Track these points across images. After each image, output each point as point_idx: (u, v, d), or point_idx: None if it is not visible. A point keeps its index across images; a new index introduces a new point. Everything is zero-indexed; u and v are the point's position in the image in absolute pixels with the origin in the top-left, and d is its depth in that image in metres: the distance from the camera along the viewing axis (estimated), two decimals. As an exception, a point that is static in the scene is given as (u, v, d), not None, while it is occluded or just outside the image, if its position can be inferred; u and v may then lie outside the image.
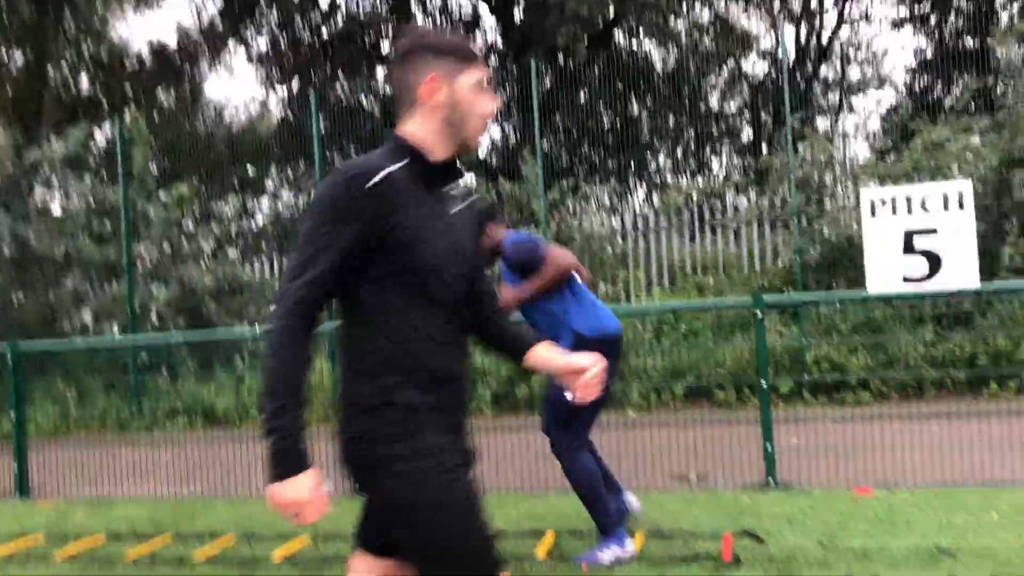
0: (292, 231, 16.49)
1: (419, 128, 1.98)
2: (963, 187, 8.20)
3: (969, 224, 8.05)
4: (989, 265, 9.06)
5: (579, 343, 3.91)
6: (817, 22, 22.05)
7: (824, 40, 22.37)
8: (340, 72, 21.03)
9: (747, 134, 21.96)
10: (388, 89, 20.65)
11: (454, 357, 1.99)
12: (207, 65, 23.49)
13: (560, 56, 17.48)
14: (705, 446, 6.15)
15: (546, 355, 2.19)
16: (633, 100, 18.88)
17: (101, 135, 18.10)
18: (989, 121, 10.17)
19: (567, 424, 4.07)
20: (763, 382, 5.61)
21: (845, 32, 22.72)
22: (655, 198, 17.29)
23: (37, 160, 12.24)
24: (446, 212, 1.99)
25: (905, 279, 8.20)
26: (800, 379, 9.03)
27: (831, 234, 10.25)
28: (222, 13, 21.68)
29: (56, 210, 13.23)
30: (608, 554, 3.99)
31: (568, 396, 3.97)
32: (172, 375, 11.22)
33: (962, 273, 7.98)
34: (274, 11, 21.05)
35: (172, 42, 23.11)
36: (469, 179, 14.81)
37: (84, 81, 21.94)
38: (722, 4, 20.83)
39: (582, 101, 16.96)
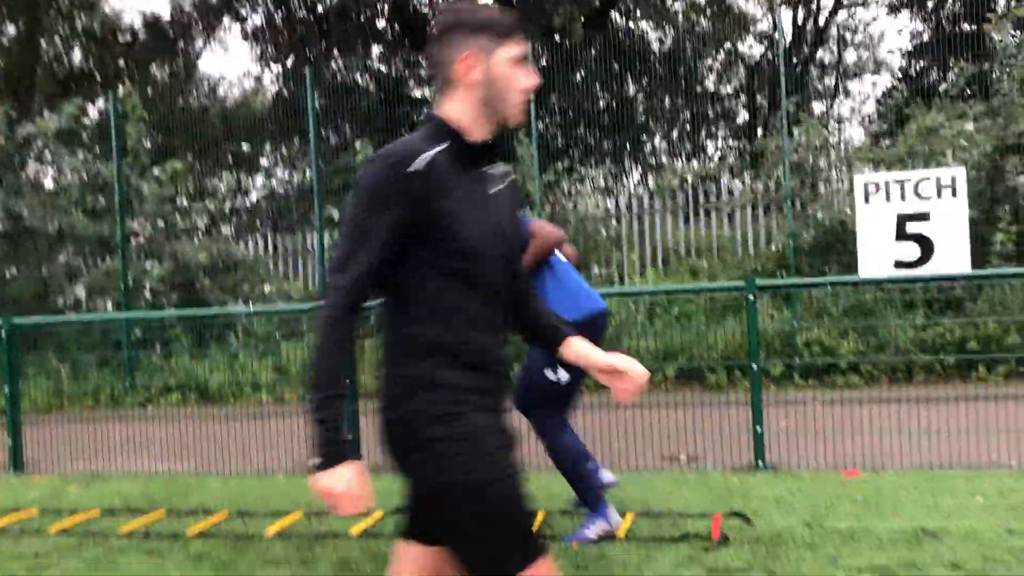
0: (286, 208, 16.49)
1: (457, 108, 1.95)
2: (956, 173, 8.25)
3: (962, 210, 8.11)
4: (981, 251, 9.12)
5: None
6: (814, 5, 21.98)
7: (821, 23, 22.33)
8: (336, 49, 20.90)
9: (743, 117, 21.95)
10: (383, 66, 20.58)
11: (495, 339, 1.98)
12: (201, 41, 23.33)
13: (557, 36, 17.40)
14: (696, 428, 6.20)
15: (584, 350, 2.17)
16: (629, 81, 18.83)
17: (94, 110, 18.00)
18: (984, 107, 10.19)
19: (549, 404, 4.07)
20: (754, 365, 5.66)
21: (842, 15, 22.68)
22: (650, 180, 17.31)
23: (30, 134, 12.17)
24: (486, 193, 1.96)
25: (897, 264, 8.27)
26: (791, 362, 9.09)
27: (825, 218, 10.29)
28: (216, -13, 21.49)
29: (49, 184, 13.19)
30: (594, 529, 4.02)
31: (551, 376, 4.01)
32: (165, 351, 11.24)
33: (954, 259, 8.05)
34: (269, -14, 20.88)
35: (166, 14, 22.96)
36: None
37: (77, 54, 21.78)
38: (720, -15, 20.75)
39: (578, 81, 16.91)
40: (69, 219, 11.94)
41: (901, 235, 8.36)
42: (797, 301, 9.69)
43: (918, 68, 19.45)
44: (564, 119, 17.19)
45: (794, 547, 3.90)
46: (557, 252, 4.21)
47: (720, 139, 21.67)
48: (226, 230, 13.28)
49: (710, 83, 21.59)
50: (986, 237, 9.38)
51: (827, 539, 3.99)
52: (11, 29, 20.05)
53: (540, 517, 4.55)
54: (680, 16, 20.77)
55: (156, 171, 12.13)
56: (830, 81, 22.61)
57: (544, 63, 15.86)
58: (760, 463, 5.53)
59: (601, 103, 17.65)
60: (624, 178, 17.17)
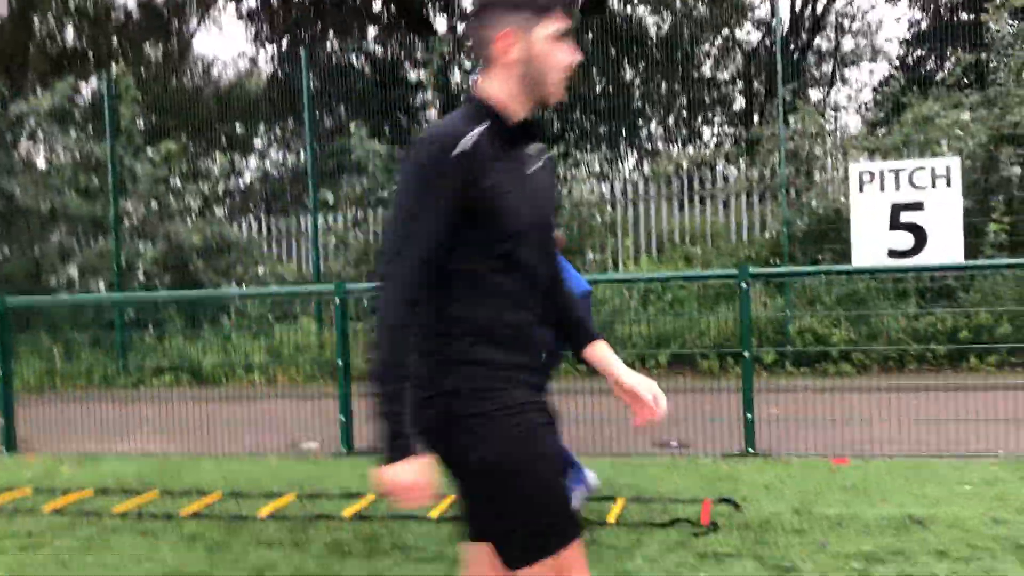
0: (280, 190, 16.43)
1: (497, 87, 1.92)
2: (951, 163, 8.28)
3: (956, 200, 8.15)
4: (974, 241, 9.15)
5: None
6: (813, -9, 21.91)
7: (819, 10, 22.26)
8: (331, 31, 20.78)
9: (739, 103, 21.91)
10: (379, 48, 20.48)
11: (535, 318, 1.96)
12: (196, 20, 23.16)
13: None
14: (687, 414, 6.23)
15: (606, 358, 2.15)
16: (626, 66, 18.76)
17: (87, 89, 17.88)
18: (979, 97, 10.20)
19: None
20: (746, 353, 5.68)
21: (840, 2, 22.61)
22: (645, 166, 17.29)
23: (22, 112, 12.09)
24: (525, 173, 1.94)
25: (891, 253, 8.31)
26: (783, 350, 9.13)
27: (819, 206, 10.30)
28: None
29: (41, 164, 13.12)
30: (576, 497, 3.94)
31: None
32: (159, 332, 11.23)
33: (947, 248, 8.09)
34: (265, -34, 20.73)
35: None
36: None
37: (70, 33, 21.61)
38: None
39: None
40: (62, 199, 11.89)
41: (895, 224, 8.40)
42: (790, 289, 9.72)
43: (915, 57, 19.43)
44: (560, 103, 17.14)
45: (782, 533, 3.94)
46: None
47: (716, 125, 21.64)
48: (220, 211, 13.23)
49: (707, 69, 21.54)
50: (980, 227, 9.41)
51: (815, 525, 4.03)
52: (4, 6, 19.87)
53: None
54: (678, 1, 20.68)
55: (150, 152, 12.08)
56: (827, 68, 22.58)
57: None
58: (750, 450, 5.56)
59: (598, 88, 17.60)
60: (620, 163, 17.15)
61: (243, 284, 11.77)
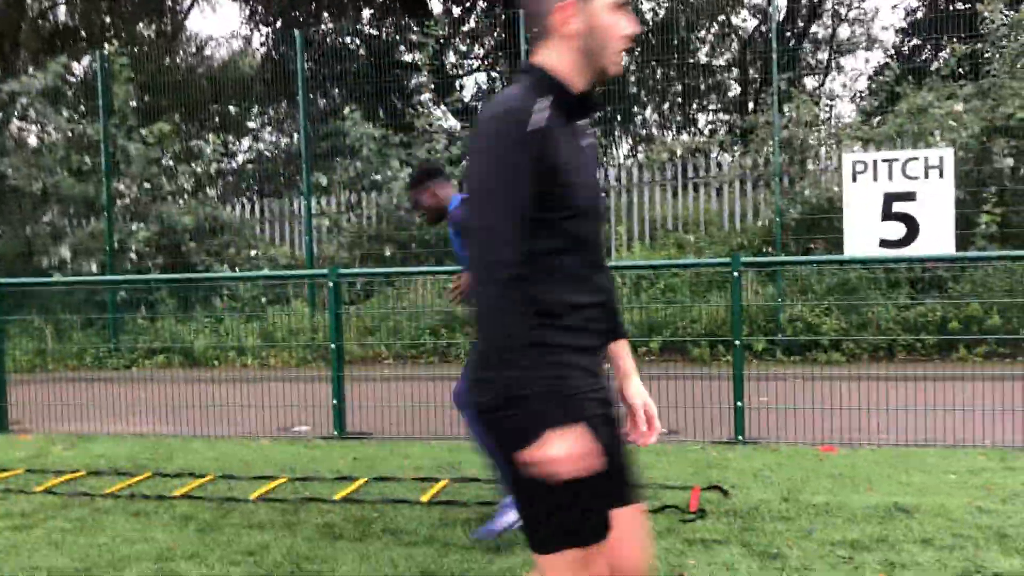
0: (273, 172, 16.38)
1: (554, 59, 1.86)
2: (944, 154, 8.30)
3: (948, 191, 8.18)
4: (965, 232, 9.20)
5: None
6: (810, -22, 21.85)
7: (816, -2, 22.19)
8: (325, 12, 20.65)
9: (735, 90, 21.87)
10: (374, 31, 20.37)
11: (596, 298, 1.91)
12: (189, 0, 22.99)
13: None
14: (678, 400, 6.27)
15: (623, 362, 2.11)
16: (621, 51, 18.68)
17: (80, 68, 17.76)
18: (973, 88, 10.21)
19: None
20: (737, 341, 5.72)
21: (838, -10, 22.54)
22: (639, 152, 17.28)
23: (14, 91, 12.02)
24: (581, 146, 1.88)
25: (882, 243, 8.35)
26: (774, 338, 9.18)
27: (812, 195, 10.33)
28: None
29: (33, 143, 13.05)
30: (502, 523, 3.73)
31: None
32: (151, 313, 11.22)
33: (938, 239, 8.13)
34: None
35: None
36: (456, 126, 14.71)
37: (62, 11, 21.44)
38: (715, -44, 20.56)
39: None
40: (54, 179, 11.84)
41: (887, 214, 8.44)
42: (781, 278, 9.76)
43: (911, 46, 19.42)
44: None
45: (770, 520, 3.99)
46: None
47: (711, 112, 21.61)
48: (212, 193, 13.20)
49: (702, 55, 21.49)
50: (971, 218, 9.46)
51: (802, 513, 4.08)
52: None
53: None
54: (674, -13, 20.60)
55: (143, 132, 12.03)
56: (823, 56, 22.55)
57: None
58: (739, 437, 5.61)
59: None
60: (614, 149, 17.14)
61: (236, 267, 11.75)
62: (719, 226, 11.82)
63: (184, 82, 16.65)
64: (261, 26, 22.12)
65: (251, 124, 19.26)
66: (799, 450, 5.37)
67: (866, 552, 3.55)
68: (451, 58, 20.50)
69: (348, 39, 19.58)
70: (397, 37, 19.73)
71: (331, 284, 6.29)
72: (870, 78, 19.05)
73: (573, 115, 1.88)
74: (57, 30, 20.76)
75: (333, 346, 6.29)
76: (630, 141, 18.33)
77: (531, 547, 1.86)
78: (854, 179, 8.48)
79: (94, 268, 11.43)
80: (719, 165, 12.40)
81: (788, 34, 20.78)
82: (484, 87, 20.91)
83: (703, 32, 21.23)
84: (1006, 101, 9.76)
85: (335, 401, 6.24)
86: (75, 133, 12.14)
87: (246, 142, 18.71)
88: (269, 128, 19.51)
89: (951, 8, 17.52)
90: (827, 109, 14.76)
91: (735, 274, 5.72)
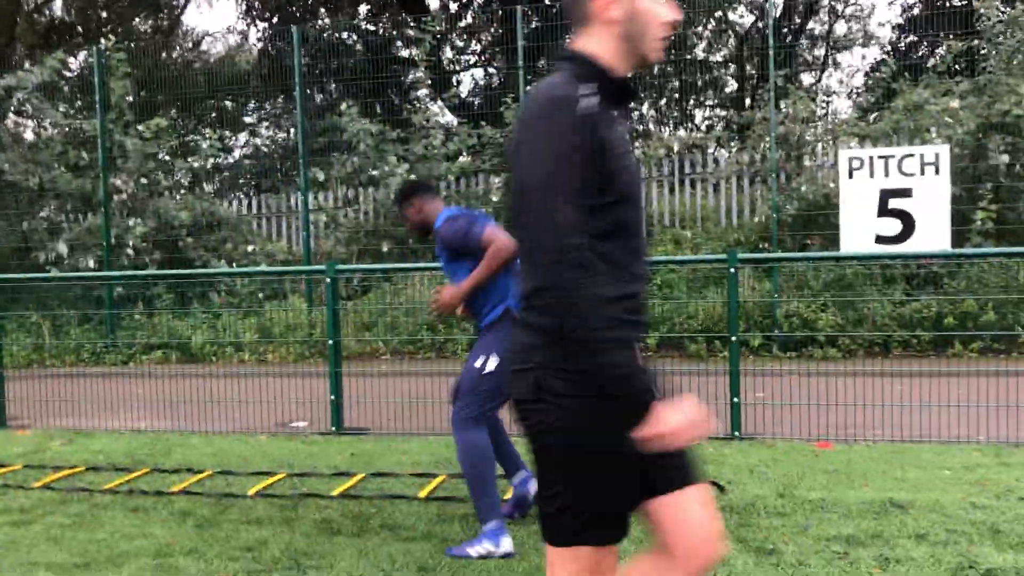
0: (270, 167, 16.38)
1: (595, 45, 1.84)
2: (940, 151, 8.32)
3: (944, 188, 8.21)
4: (961, 228, 9.23)
5: (513, 320, 3.72)
6: (807, -25, 21.84)
7: (813, -7, 22.19)
8: (322, 7, 20.63)
9: (731, 86, 21.89)
10: (371, 26, 20.34)
11: (642, 289, 1.87)
12: (186, -6, 22.94)
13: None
14: (674, 396, 6.29)
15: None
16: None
17: (76, 63, 17.73)
18: (969, 84, 10.24)
19: (469, 394, 3.80)
20: (733, 337, 5.74)
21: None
22: (636, 148, 17.27)
23: (10, 86, 12.00)
24: (624, 133, 1.85)
25: (878, 239, 8.38)
26: (770, 334, 9.21)
27: (808, 191, 10.35)
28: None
29: (30, 138, 13.03)
30: (478, 549, 3.62)
31: (478, 363, 3.78)
32: (148, 309, 11.23)
33: (934, 235, 8.16)
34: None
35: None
36: (453, 122, 14.71)
37: (58, 6, 21.39)
38: (712, -48, 20.55)
39: (566, 44, 16.77)
40: (51, 174, 11.83)
41: (883, 211, 8.46)
42: (778, 274, 9.79)
43: (907, 42, 19.44)
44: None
45: (766, 516, 4.01)
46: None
47: (708, 109, 21.63)
48: (209, 188, 13.19)
49: (700, 51, 21.49)
50: (967, 214, 9.49)
51: (798, 508, 4.10)
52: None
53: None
54: (672, -18, 20.57)
55: (139, 128, 12.02)
56: (820, 52, 22.57)
57: (533, 26, 15.75)
58: (736, 433, 5.63)
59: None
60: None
61: (233, 262, 11.75)
62: (716, 222, 11.84)
63: (181, 77, 16.64)
64: (258, 21, 22.10)
65: (248, 119, 19.24)
66: (795, 446, 5.40)
67: (861, 547, 3.58)
68: (448, 54, 20.49)
69: (345, 35, 19.56)
70: (394, 32, 19.71)
71: (328, 280, 6.31)
72: (867, 74, 19.09)
73: (615, 102, 1.85)
74: (53, 25, 20.71)
75: (331, 342, 6.30)
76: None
77: (545, 538, 1.86)
78: (850, 175, 8.50)
79: (91, 264, 11.43)
80: (716, 161, 12.43)
81: (785, 30, 20.80)
82: (481, 83, 20.91)
83: (700, 28, 21.23)
84: (1002, 98, 9.79)
85: (333, 397, 6.25)
86: (72, 128, 12.12)
87: (243, 137, 18.70)
88: (266, 123, 19.50)
89: (947, 5, 17.55)
90: (824, 105, 14.77)
91: (732, 270, 5.74)
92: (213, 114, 17.53)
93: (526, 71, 11.05)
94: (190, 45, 23.46)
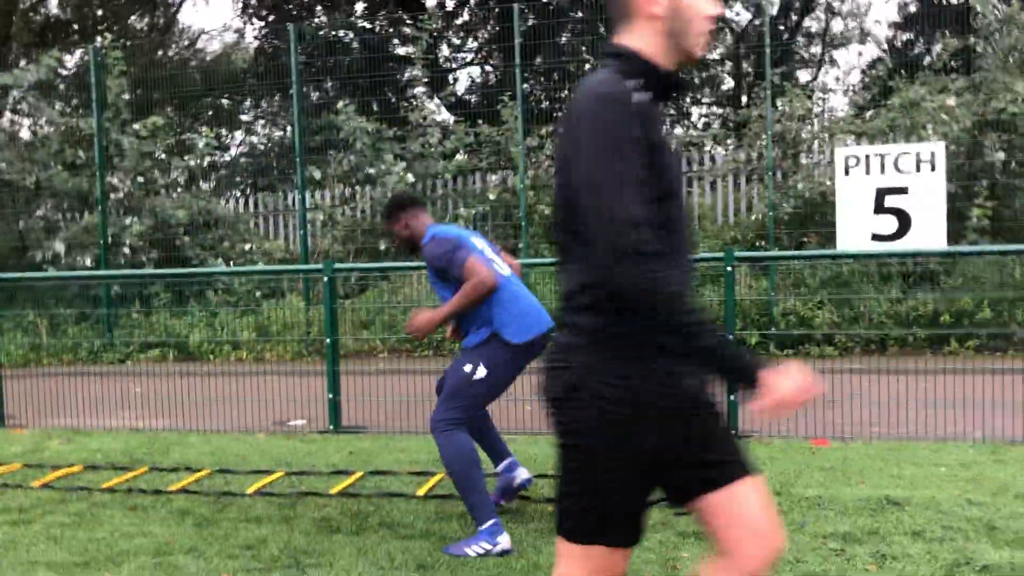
0: (267, 166, 16.36)
1: (638, 41, 1.83)
2: (936, 148, 8.34)
3: (940, 185, 8.23)
4: (957, 226, 9.26)
5: (503, 346, 3.77)
6: (804, -28, 21.85)
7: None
8: (319, 5, 20.61)
9: (728, 84, 21.90)
10: (367, 24, 20.32)
11: (689, 283, 1.85)
12: (182, -9, 22.88)
13: (544, -3, 17.24)
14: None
15: None
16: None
17: (72, 61, 17.69)
18: (965, 82, 10.26)
19: (454, 399, 3.81)
20: (730, 335, 5.76)
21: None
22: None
23: (7, 85, 11.98)
24: (665, 129, 1.83)
25: (875, 236, 8.39)
26: (767, 332, 9.23)
27: (805, 189, 10.37)
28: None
29: (26, 136, 13.01)
30: (475, 548, 3.63)
31: (466, 369, 3.78)
32: (145, 308, 11.22)
33: (930, 233, 8.17)
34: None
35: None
36: (450, 120, 14.71)
37: (54, 3, 21.34)
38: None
39: (564, 43, 16.80)
40: (48, 173, 11.81)
41: (880, 208, 8.48)
42: (774, 272, 9.81)
43: (903, 40, 19.47)
44: (550, 81, 17.11)
45: (763, 513, 4.02)
46: (501, 273, 3.90)
47: (704, 106, 21.63)
48: (205, 187, 13.17)
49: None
50: (963, 212, 9.52)
51: (795, 506, 4.12)
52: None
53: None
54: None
55: (136, 126, 12.01)
56: (816, 50, 22.59)
57: (530, 23, 15.75)
58: (733, 431, 5.65)
59: (587, 66, 17.56)
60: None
61: (230, 261, 11.75)
62: (713, 220, 11.86)
63: (177, 76, 16.61)
64: (254, 19, 22.06)
65: (244, 117, 19.22)
66: (792, 444, 5.42)
67: (857, 544, 3.60)
68: (444, 51, 20.48)
69: (342, 32, 19.54)
70: (391, 30, 19.69)
71: (326, 279, 6.31)
72: (863, 72, 19.10)
73: (660, 97, 1.85)
74: (49, 23, 20.66)
75: (328, 341, 6.31)
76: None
77: (559, 532, 1.86)
78: (847, 173, 8.51)
79: (88, 262, 11.42)
80: (712, 159, 12.44)
81: (781, 28, 20.81)
82: (478, 80, 20.91)
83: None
84: (997, 95, 9.81)
85: (331, 395, 6.26)
86: (68, 127, 12.11)
87: (239, 135, 18.67)
88: (262, 122, 19.48)
89: (944, 2, 17.57)
90: (820, 103, 14.81)
91: (728, 268, 5.76)
92: (210, 112, 17.50)
93: (523, 69, 11.05)
94: (186, 43, 23.41)
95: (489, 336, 3.80)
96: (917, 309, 9.16)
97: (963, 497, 4.16)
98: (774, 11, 19.97)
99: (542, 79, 17.19)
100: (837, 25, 22.69)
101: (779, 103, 10.80)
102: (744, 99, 19.59)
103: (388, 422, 6.40)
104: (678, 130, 18.55)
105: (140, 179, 11.92)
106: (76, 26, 20.47)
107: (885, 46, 20.46)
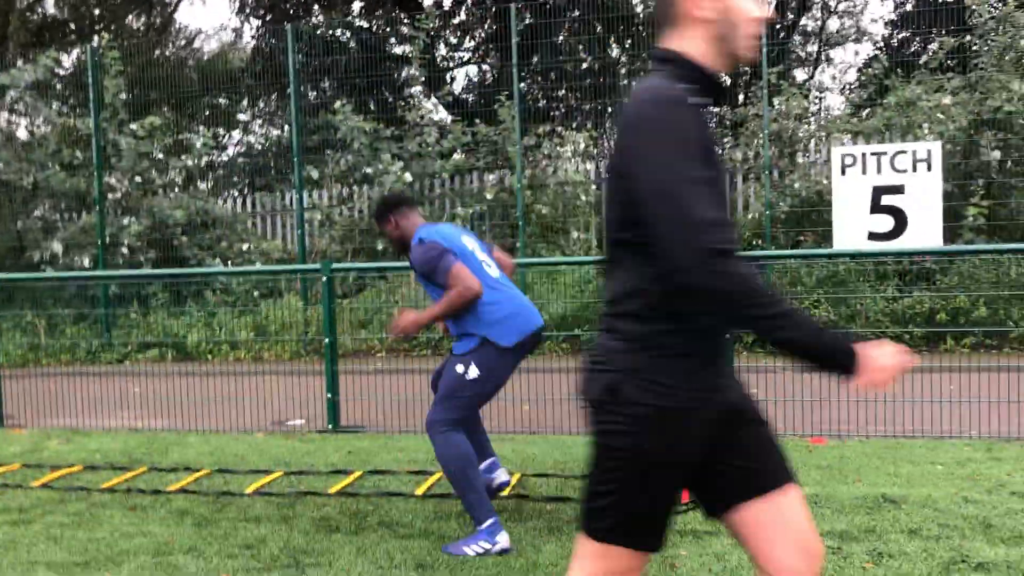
0: (264, 165, 16.36)
1: (687, 45, 1.83)
2: (932, 148, 8.37)
3: (936, 184, 8.25)
4: (953, 224, 9.29)
5: (494, 349, 3.78)
6: (800, -29, 21.88)
7: (806, -11, 22.24)
8: (316, 5, 20.60)
9: (724, 83, 21.91)
10: (364, 23, 20.33)
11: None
12: (179, -9, 22.85)
13: (541, -5, 17.25)
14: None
15: None
16: (612, 43, 18.73)
17: (69, 61, 17.67)
18: (961, 81, 10.29)
19: (449, 399, 3.83)
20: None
21: (828, -19, 22.60)
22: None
23: (3, 85, 11.97)
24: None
25: (871, 235, 8.41)
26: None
27: (801, 188, 10.40)
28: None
29: (23, 136, 13.00)
30: (474, 547, 3.65)
31: (459, 369, 3.80)
32: (143, 308, 11.23)
33: (927, 232, 8.20)
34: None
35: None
36: (447, 119, 14.72)
37: (50, 3, 21.31)
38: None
39: (560, 42, 16.81)
40: (45, 173, 11.81)
41: (876, 207, 8.50)
42: (771, 271, 9.83)
43: (900, 38, 19.50)
44: (546, 80, 17.13)
45: (760, 511, 4.04)
46: (489, 275, 3.92)
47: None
48: (203, 187, 13.17)
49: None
50: (959, 211, 9.55)
51: (792, 504, 4.13)
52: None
53: (514, 480, 4.67)
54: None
55: (134, 126, 12.00)
56: (812, 48, 22.62)
57: (527, 23, 15.77)
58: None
59: (584, 65, 17.58)
60: (605, 141, 17.17)
61: (228, 260, 11.76)
62: (710, 219, 11.86)
63: (174, 75, 16.59)
64: (251, 19, 22.05)
65: (242, 117, 19.20)
66: (789, 442, 5.43)
67: (854, 542, 3.62)
68: (442, 51, 20.49)
69: (339, 32, 19.55)
70: (388, 30, 19.70)
71: (324, 279, 6.32)
72: (859, 71, 19.12)
73: (709, 100, 1.86)
74: (45, 23, 20.64)
75: (327, 340, 6.32)
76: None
77: (583, 529, 1.87)
78: (843, 172, 8.53)
79: (86, 262, 11.42)
80: (710, 158, 12.44)
81: (778, 26, 20.83)
82: (475, 79, 20.92)
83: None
84: (993, 94, 9.84)
85: (329, 395, 6.27)
86: (65, 127, 12.10)
87: (236, 135, 18.66)
88: (259, 121, 19.47)
89: (940, 1, 17.60)
90: (816, 102, 14.82)
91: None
92: (207, 112, 17.48)
93: (520, 68, 11.06)
94: (183, 43, 23.40)
95: (479, 342, 3.81)
96: (913, 308, 9.19)
97: (959, 495, 4.18)
98: (770, 9, 19.97)
99: (539, 78, 17.22)
100: (833, 24, 22.74)
101: (776, 102, 10.83)
102: (741, 98, 19.61)
103: (386, 421, 6.42)
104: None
105: (138, 179, 11.93)
106: (73, 26, 20.45)
107: (881, 44, 20.50)
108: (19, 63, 12.87)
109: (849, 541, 3.63)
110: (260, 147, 17.75)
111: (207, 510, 4.38)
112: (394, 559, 3.62)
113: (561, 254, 10.95)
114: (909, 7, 19.89)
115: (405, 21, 15.12)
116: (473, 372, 3.78)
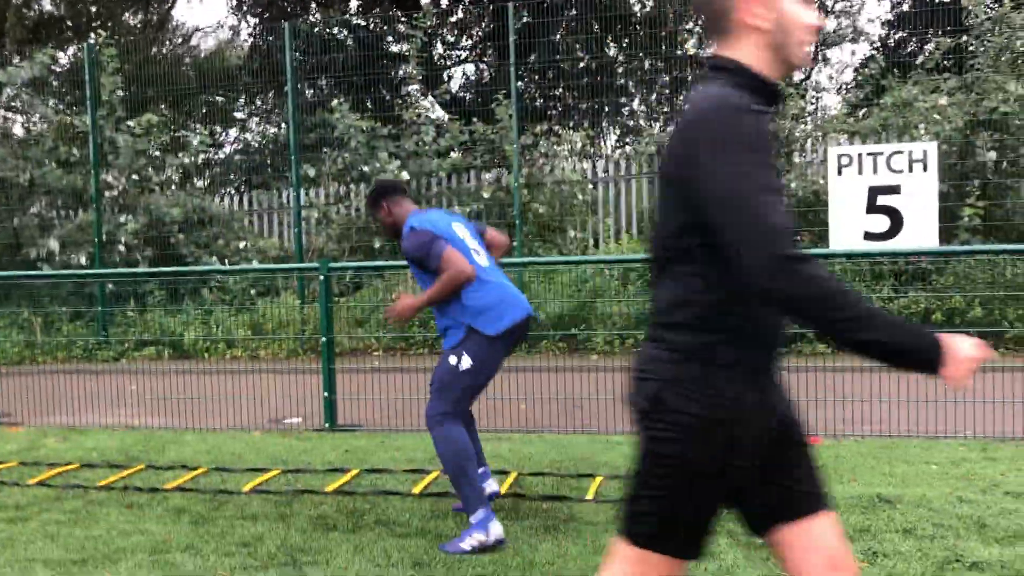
0: (261, 163, 16.34)
1: (742, 54, 1.82)
2: (928, 148, 8.39)
3: (932, 185, 8.27)
4: (949, 225, 9.31)
5: (482, 338, 3.83)
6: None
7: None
8: (313, 3, 20.58)
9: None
10: (362, 21, 20.32)
11: (779, 314, 1.83)
12: (176, -12, 22.82)
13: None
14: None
15: None
16: (610, 42, 18.74)
17: (66, 58, 17.65)
18: (957, 82, 10.32)
19: (445, 391, 3.87)
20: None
21: (825, -18, 22.62)
22: (627, 145, 17.33)
23: (0, 82, 11.94)
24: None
25: (867, 236, 8.44)
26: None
27: (798, 188, 10.42)
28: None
29: (20, 133, 12.98)
30: (469, 542, 3.66)
31: (452, 361, 3.85)
32: (140, 305, 11.22)
33: (922, 232, 8.22)
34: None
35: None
36: (444, 118, 14.71)
37: (47, 0, 21.27)
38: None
39: (558, 41, 16.81)
40: (42, 170, 11.79)
41: (872, 207, 8.52)
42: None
43: (896, 38, 19.53)
44: (544, 79, 17.14)
45: (755, 510, 4.06)
46: (479, 264, 3.96)
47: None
48: (200, 184, 13.16)
49: (690, 47, 21.52)
50: (955, 211, 9.57)
51: (787, 503, 4.15)
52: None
53: (511, 479, 4.68)
54: (662, -22, 20.62)
55: (130, 123, 11.99)
56: (809, 48, 22.62)
57: (524, 21, 15.77)
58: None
59: (581, 64, 17.59)
60: (602, 141, 17.19)
61: (225, 259, 11.75)
62: (706, 218, 11.88)
63: (171, 72, 16.57)
64: (248, 16, 22.02)
65: (238, 115, 19.18)
66: (784, 441, 5.44)
67: (849, 542, 3.63)
68: (439, 49, 20.48)
69: (336, 30, 19.53)
70: (385, 28, 19.69)
71: (322, 278, 6.33)
72: (856, 71, 19.16)
73: (768, 108, 1.84)
74: (42, 20, 20.60)
75: (324, 339, 6.33)
76: (617, 132, 18.38)
77: (623, 533, 1.87)
78: (839, 172, 8.55)
79: (82, 260, 11.41)
80: (707, 157, 12.45)
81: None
82: (472, 78, 20.90)
83: (691, 24, 21.27)
84: (989, 95, 9.86)
85: (326, 393, 6.28)
86: (62, 124, 12.08)
87: (233, 133, 18.64)
88: (256, 119, 19.45)
89: (936, 1, 17.63)
90: (813, 102, 14.85)
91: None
92: (204, 110, 17.46)
93: (517, 67, 11.07)
94: (180, 40, 23.36)
95: (466, 332, 3.87)
96: (909, 308, 9.22)
97: (954, 495, 4.20)
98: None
99: (536, 77, 17.22)
100: (830, 23, 22.75)
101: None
102: (738, 97, 19.62)
103: (383, 420, 6.43)
104: (671, 128, 18.59)
105: (134, 177, 11.91)
106: (70, 23, 20.41)
107: (878, 45, 20.54)
108: (15, 60, 12.84)
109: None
110: (257, 145, 17.73)
111: (204, 508, 4.38)
112: (391, 557, 3.63)
113: (558, 253, 10.96)
114: (906, 7, 19.93)
115: (402, 19, 15.12)
116: (466, 363, 3.83)
